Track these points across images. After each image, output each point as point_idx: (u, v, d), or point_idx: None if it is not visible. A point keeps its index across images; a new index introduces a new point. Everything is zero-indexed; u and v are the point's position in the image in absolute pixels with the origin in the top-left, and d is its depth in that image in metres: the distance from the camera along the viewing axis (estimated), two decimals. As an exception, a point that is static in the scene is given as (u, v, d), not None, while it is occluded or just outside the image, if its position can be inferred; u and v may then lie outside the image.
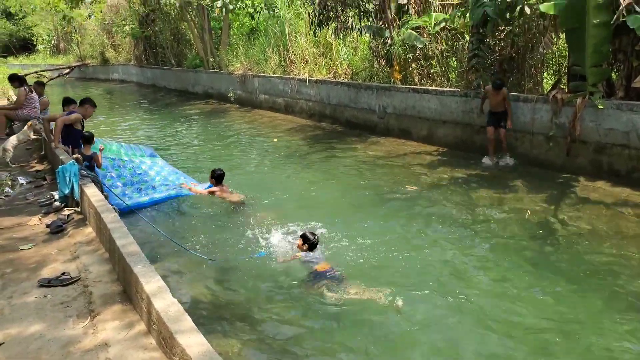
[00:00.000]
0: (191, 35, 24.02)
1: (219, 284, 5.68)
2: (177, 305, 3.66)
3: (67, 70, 35.35)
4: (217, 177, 7.99)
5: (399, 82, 12.16)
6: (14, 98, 13.98)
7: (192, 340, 3.26)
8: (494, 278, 5.61)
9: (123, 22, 29.27)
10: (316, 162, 10.68)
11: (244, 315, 5.04)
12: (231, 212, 7.70)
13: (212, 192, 7.94)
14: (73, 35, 38.58)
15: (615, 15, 7.60)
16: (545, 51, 9.09)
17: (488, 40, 9.97)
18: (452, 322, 4.82)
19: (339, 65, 14.65)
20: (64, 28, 38.92)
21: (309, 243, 5.70)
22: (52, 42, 46.07)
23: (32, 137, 10.35)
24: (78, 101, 8.54)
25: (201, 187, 8.23)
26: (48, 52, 46.44)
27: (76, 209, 6.73)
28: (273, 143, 12.09)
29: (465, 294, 5.26)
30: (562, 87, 9.10)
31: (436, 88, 11.19)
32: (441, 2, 12.15)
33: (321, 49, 15.34)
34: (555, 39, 9.31)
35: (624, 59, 8.21)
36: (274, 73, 17.01)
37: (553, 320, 4.76)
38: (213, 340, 4.19)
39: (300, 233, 6.06)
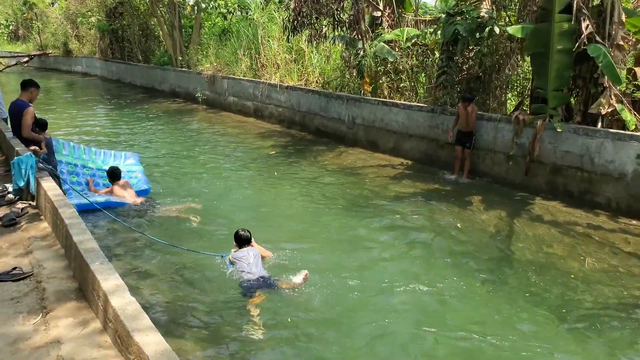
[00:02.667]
0: (160, 32, 23.67)
1: (177, 284, 5.65)
2: (135, 304, 3.58)
3: (26, 59, 34.00)
4: (110, 175, 8.27)
5: (369, 94, 12.29)
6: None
7: (149, 339, 3.20)
8: (435, 285, 5.81)
9: (89, 13, 28.56)
10: (281, 169, 10.67)
11: (202, 317, 5.05)
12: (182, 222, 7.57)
13: (110, 192, 8.14)
14: (34, 22, 37.44)
15: (577, 43, 7.93)
16: (511, 73, 9.37)
17: (457, 58, 10.20)
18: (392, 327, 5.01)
19: (310, 73, 14.71)
20: (24, 14, 37.75)
21: (237, 237, 5.91)
22: (11, 27, 44.40)
23: None
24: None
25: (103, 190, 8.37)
26: (5, 38, 44.74)
27: (31, 202, 6.49)
28: (270, 155, 11.80)
29: (403, 298, 5.49)
30: (525, 108, 9.40)
31: (404, 102, 11.36)
32: (414, 18, 12.37)
33: (293, 55, 15.36)
34: (520, 62, 9.61)
35: (582, 85, 8.55)
36: (245, 76, 16.93)
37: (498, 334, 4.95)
38: (171, 340, 4.14)
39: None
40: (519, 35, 8.60)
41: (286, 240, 6.87)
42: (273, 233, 7.09)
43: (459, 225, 7.53)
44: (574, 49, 8.00)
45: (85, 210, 6.98)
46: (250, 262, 5.65)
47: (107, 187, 8.32)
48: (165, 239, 6.40)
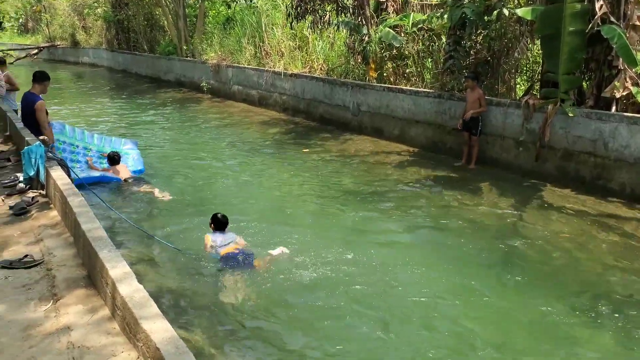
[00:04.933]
0: (165, 22, 23.62)
1: (183, 272, 5.66)
2: (142, 291, 3.59)
3: (36, 51, 34.37)
4: (110, 159, 8.83)
5: (374, 80, 12.20)
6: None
7: (156, 326, 3.21)
8: (440, 277, 5.68)
9: (95, 4, 28.62)
10: (285, 157, 10.63)
11: (208, 304, 5.08)
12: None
13: (106, 170, 8.76)
14: (42, 14, 37.55)
15: (590, 24, 7.77)
16: (520, 56, 9.25)
17: (465, 42, 10.07)
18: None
19: (314, 60, 14.60)
20: (33, 7, 37.90)
21: (215, 222, 6.05)
22: (20, 20, 44.67)
23: None
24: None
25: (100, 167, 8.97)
26: (15, 30, 45.02)
27: (41, 191, 6.54)
28: (304, 152, 11.10)
29: (407, 289, 5.35)
30: (535, 93, 9.28)
31: (411, 88, 11.26)
32: (420, 2, 12.25)
33: (297, 42, 15.25)
34: (530, 45, 9.48)
35: (596, 67, 8.39)
36: (249, 64, 16.86)
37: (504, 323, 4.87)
38: (178, 327, 4.16)
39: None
40: (529, 18, 8.45)
41: (285, 226, 6.84)
42: (272, 219, 7.07)
43: (466, 213, 7.45)
44: (586, 31, 7.81)
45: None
46: (223, 239, 5.92)
47: (106, 168, 8.84)
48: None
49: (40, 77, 7.74)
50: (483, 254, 6.23)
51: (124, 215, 6.74)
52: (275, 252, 5.83)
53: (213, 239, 5.93)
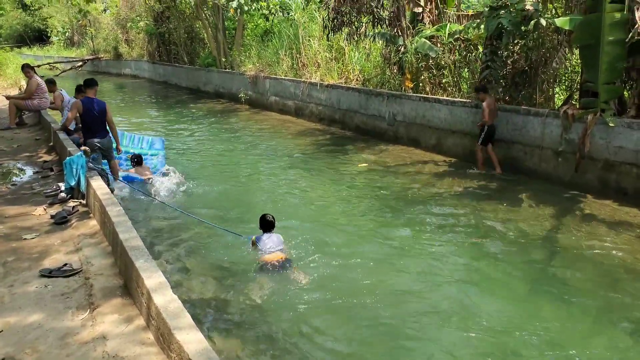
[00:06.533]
0: (205, 34, 24.11)
1: (220, 281, 5.67)
2: (177, 301, 3.65)
3: (80, 63, 35.61)
4: (132, 160, 9.49)
5: (410, 91, 12.14)
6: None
7: (190, 337, 3.26)
8: (486, 290, 5.57)
9: (138, 17, 29.47)
10: (321, 167, 10.64)
11: (243, 314, 5.04)
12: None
13: (129, 171, 9.28)
14: (87, 28, 38.85)
15: (631, 34, 7.57)
16: (558, 66, 9.05)
17: (501, 52, 9.93)
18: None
19: (350, 71, 14.66)
20: (79, 21, 39.22)
21: (262, 223, 6.05)
22: (67, 34, 46.34)
23: None
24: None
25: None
26: (62, 44, 46.70)
27: (82, 201, 6.75)
28: (360, 167, 10.59)
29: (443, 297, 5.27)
30: (574, 103, 9.06)
31: (447, 98, 11.16)
32: (456, 13, 12.15)
33: (334, 54, 15.36)
34: (569, 55, 9.27)
35: (637, 77, 8.16)
36: (286, 75, 17.04)
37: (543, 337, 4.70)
38: (211, 338, 4.20)
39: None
40: (567, 27, 8.29)
41: (319, 234, 6.83)
42: (311, 231, 7.04)
43: (505, 226, 7.27)
44: (627, 40, 7.62)
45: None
46: (271, 245, 5.91)
47: (129, 169, 9.44)
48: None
49: (92, 83, 8.09)
50: (522, 265, 6.07)
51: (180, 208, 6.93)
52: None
53: (259, 243, 5.97)
